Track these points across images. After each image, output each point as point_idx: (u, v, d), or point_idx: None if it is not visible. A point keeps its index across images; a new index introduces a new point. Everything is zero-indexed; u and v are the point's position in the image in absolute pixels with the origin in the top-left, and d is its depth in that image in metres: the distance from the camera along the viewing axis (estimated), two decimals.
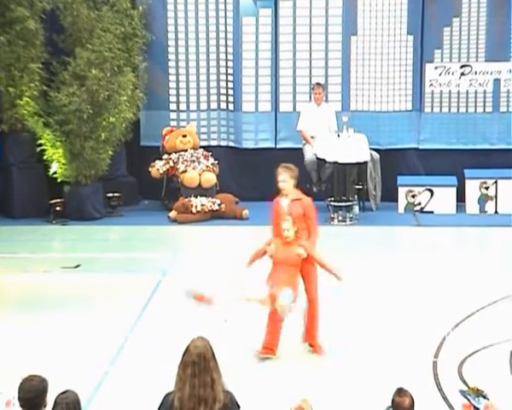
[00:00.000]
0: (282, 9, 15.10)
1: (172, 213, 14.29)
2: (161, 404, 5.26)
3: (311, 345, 8.94)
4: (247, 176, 15.21)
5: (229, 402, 5.19)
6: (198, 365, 5.10)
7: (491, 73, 15.03)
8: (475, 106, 15.16)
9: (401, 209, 14.69)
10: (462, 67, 15.08)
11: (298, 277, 8.75)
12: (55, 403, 5.12)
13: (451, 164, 14.80)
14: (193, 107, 15.47)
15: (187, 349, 5.18)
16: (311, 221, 8.89)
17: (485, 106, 15.16)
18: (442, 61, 15.08)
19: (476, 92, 15.12)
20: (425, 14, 14.92)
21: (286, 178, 8.94)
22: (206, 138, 15.48)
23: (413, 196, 14.68)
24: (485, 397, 6.86)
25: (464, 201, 14.66)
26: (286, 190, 8.94)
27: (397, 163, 15.12)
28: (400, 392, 5.48)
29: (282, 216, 8.83)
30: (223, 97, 15.46)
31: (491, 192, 14.63)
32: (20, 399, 5.30)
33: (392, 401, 5.45)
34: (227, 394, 5.21)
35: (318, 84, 14.82)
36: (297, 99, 15.26)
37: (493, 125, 15.11)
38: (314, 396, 5.38)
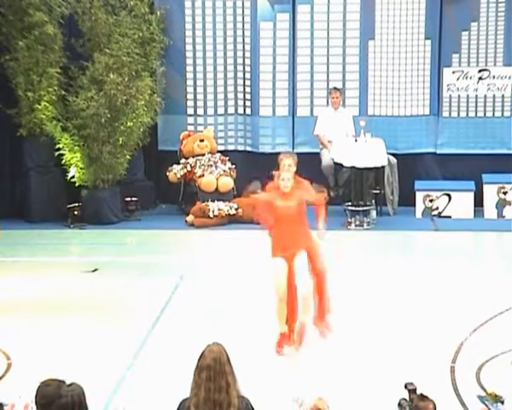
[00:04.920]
0: (299, 14, 15.10)
1: (189, 218, 14.32)
2: None
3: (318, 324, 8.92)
4: (265, 181, 15.16)
5: (244, 408, 5.17)
6: (213, 369, 5.09)
7: (510, 78, 14.97)
8: (493, 110, 15.11)
9: (419, 214, 14.65)
10: (479, 71, 15.03)
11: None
12: (60, 395, 5.03)
13: (469, 169, 14.74)
14: (210, 111, 15.49)
15: (202, 354, 5.17)
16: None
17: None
18: (460, 65, 15.03)
19: (494, 97, 15.07)
20: (443, 18, 14.88)
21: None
22: (224, 143, 15.50)
23: (431, 201, 14.64)
24: (503, 403, 6.82)
25: (482, 205, 14.62)
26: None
27: (414, 168, 15.10)
28: (423, 397, 5.46)
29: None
30: (240, 102, 15.47)
31: (510, 197, 14.58)
32: (37, 403, 5.31)
33: (416, 406, 5.44)
34: (242, 399, 5.20)
35: (336, 88, 14.81)
36: (314, 103, 15.25)
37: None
38: (329, 399, 5.38)
